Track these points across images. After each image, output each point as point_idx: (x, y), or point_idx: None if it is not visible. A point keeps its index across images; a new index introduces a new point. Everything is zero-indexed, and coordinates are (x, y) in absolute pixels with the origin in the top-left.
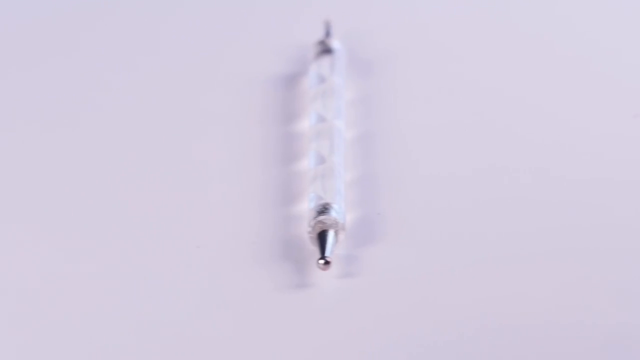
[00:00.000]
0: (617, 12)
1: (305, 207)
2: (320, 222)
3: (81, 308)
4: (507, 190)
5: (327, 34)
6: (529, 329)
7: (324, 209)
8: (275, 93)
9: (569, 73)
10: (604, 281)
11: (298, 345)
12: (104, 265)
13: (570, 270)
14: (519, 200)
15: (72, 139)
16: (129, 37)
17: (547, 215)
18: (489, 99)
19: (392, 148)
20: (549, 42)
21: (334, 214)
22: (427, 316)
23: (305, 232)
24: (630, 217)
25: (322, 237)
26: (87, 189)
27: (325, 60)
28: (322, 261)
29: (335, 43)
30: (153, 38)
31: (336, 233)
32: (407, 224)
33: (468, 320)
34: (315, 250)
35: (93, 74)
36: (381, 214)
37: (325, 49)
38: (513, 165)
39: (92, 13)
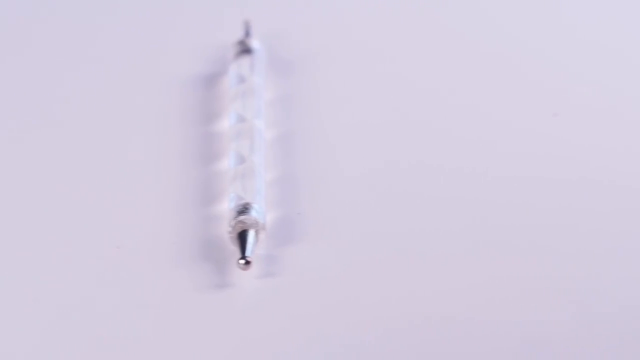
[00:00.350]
0: (538, 11)
1: (226, 207)
2: (241, 222)
3: None
4: (427, 189)
5: (247, 33)
6: (448, 327)
7: (244, 209)
8: (194, 93)
9: (490, 72)
10: (523, 279)
11: (218, 346)
12: (21, 265)
13: (489, 267)
14: (440, 199)
15: None
16: (47, 37)
17: (467, 213)
18: (410, 97)
19: (312, 148)
20: (470, 41)
21: (254, 213)
22: (347, 315)
23: (225, 232)
24: (549, 214)
25: (242, 237)
26: (5, 186)
27: (245, 60)
28: (242, 261)
29: (254, 43)
30: (72, 39)
31: (256, 233)
32: (327, 224)
33: (388, 318)
34: (235, 250)
35: (13, 74)
36: (301, 214)
37: (244, 49)
38: (434, 163)
39: (13, 15)
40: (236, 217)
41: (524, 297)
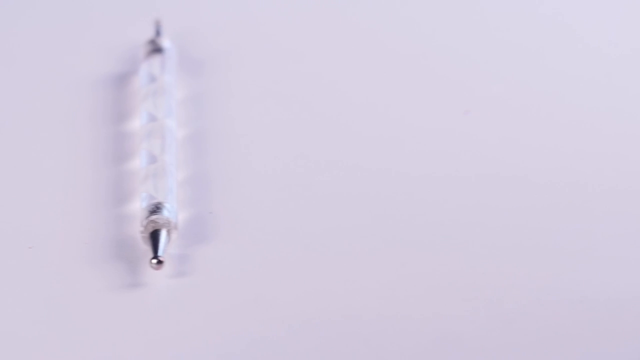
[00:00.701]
0: (449, 9)
1: (137, 206)
2: (153, 221)
3: None
4: (339, 187)
5: (157, 33)
6: (360, 323)
7: (156, 209)
8: (105, 93)
9: (401, 69)
10: (433, 275)
11: (130, 345)
12: None
13: (400, 264)
14: (352, 197)
15: None
16: None
17: (379, 211)
18: (321, 96)
19: (223, 147)
20: (380, 39)
21: (166, 213)
22: (260, 313)
23: (137, 231)
24: (460, 211)
25: (154, 237)
26: None
27: (156, 59)
28: (154, 260)
29: (165, 42)
30: None
31: (168, 232)
32: (238, 223)
33: (300, 316)
34: (147, 249)
35: None
36: (213, 213)
37: (155, 48)
38: (345, 162)
39: None
40: (148, 216)
41: (434, 293)
